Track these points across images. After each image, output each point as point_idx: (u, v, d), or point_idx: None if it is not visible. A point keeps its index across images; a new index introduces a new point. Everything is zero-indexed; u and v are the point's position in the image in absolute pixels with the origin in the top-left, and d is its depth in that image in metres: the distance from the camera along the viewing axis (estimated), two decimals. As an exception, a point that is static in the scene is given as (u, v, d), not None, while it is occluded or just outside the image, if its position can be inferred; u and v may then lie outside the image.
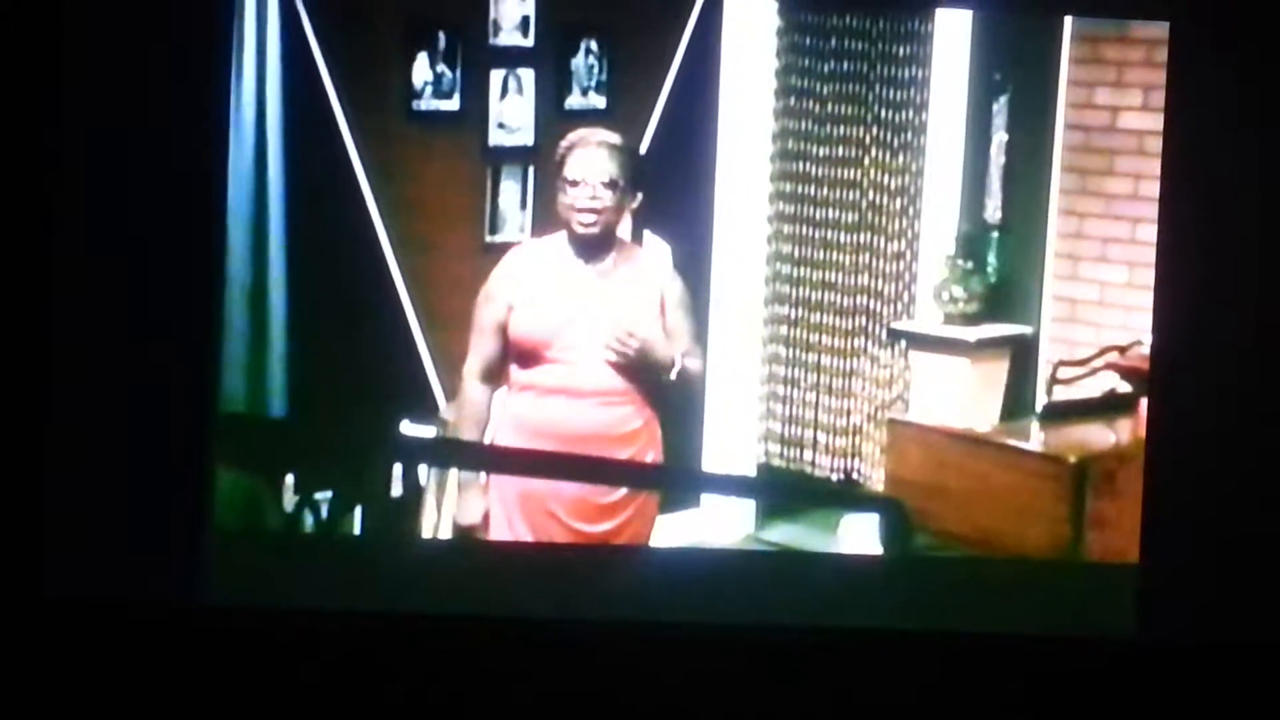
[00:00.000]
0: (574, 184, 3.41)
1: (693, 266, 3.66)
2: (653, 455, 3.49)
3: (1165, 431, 3.33)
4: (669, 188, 3.64)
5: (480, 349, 3.48)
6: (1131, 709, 3.24)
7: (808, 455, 3.98)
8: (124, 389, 3.22)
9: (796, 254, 3.98)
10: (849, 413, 3.93)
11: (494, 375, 3.47)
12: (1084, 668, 3.24)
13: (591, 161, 3.41)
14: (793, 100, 3.93)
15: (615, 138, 3.43)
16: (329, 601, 3.26)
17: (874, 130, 3.89)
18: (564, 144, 3.44)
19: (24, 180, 3.16)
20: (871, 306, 3.92)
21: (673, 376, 3.40)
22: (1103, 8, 3.46)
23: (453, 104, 3.59)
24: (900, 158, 3.87)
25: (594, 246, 3.44)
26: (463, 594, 3.30)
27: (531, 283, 3.47)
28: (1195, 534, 3.27)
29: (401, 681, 3.25)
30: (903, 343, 3.90)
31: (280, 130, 3.50)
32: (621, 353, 3.35)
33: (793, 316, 3.98)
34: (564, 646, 3.26)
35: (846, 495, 3.89)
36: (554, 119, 3.61)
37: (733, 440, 3.89)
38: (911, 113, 3.86)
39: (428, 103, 3.57)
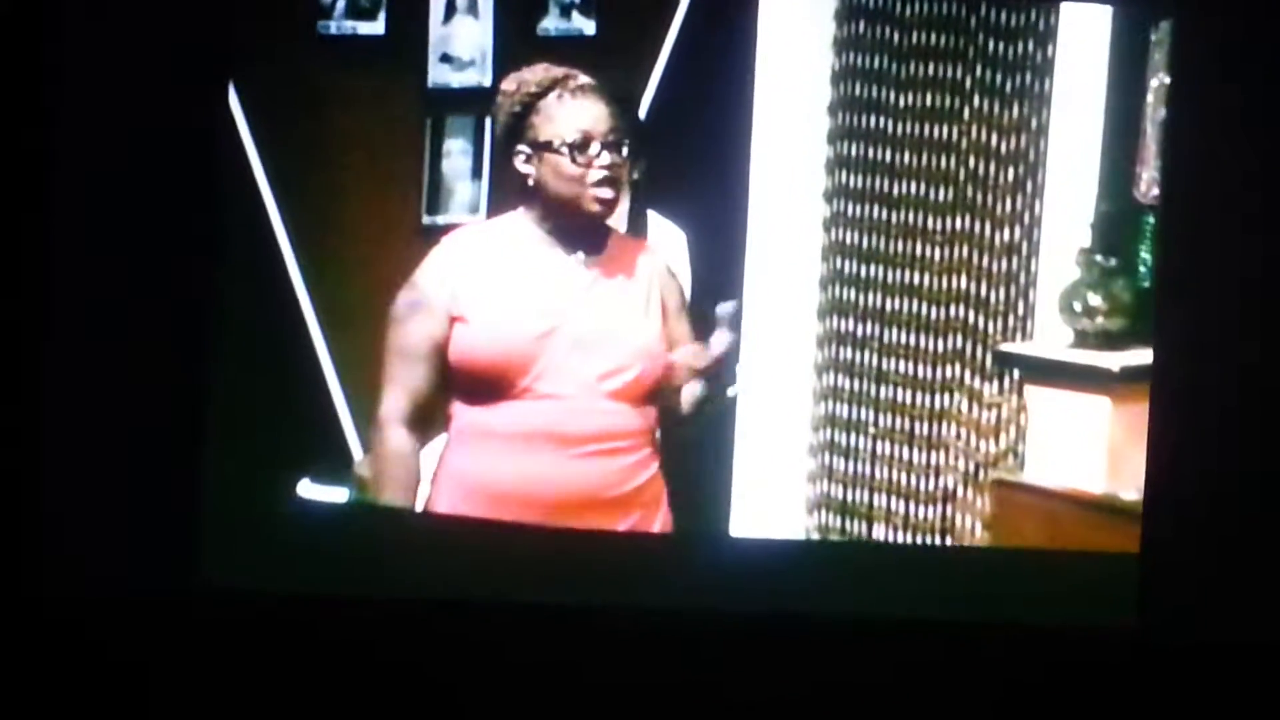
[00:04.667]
0: (579, 146, 2.97)
1: (718, 263, 3.32)
2: (660, 522, 3.12)
3: (1168, 422, 3.28)
4: (684, 152, 3.31)
5: (406, 381, 3.00)
6: (1131, 700, 3.27)
7: (879, 530, 3.54)
8: (118, 380, 3.22)
9: (865, 246, 3.56)
10: (939, 471, 3.51)
11: (427, 418, 3.03)
12: (1083, 659, 3.30)
13: (591, 112, 3.01)
14: (862, 27, 3.49)
15: (614, 83, 3.09)
16: (333, 585, 3.22)
17: (978, 70, 3.43)
18: (528, 87, 3.02)
19: (16, 179, 3.21)
20: (972, 321, 3.49)
21: (685, 407, 3.07)
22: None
23: (376, 26, 3.28)
24: (1015, 109, 3.42)
25: (594, 232, 3.05)
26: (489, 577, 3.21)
27: (487, 281, 3.01)
28: (1197, 525, 3.29)
29: (406, 666, 3.24)
30: (1016, 373, 3.47)
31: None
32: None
33: (859, 334, 3.57)
34: (579, 633, 3.25)
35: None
36: (522, 50, 3.23)
37: (773, 507, 3.51)
38: (1032, 45, 3.40)
39: (340, 24, 3.27)
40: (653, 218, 3.24)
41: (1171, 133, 3.36)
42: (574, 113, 2.99)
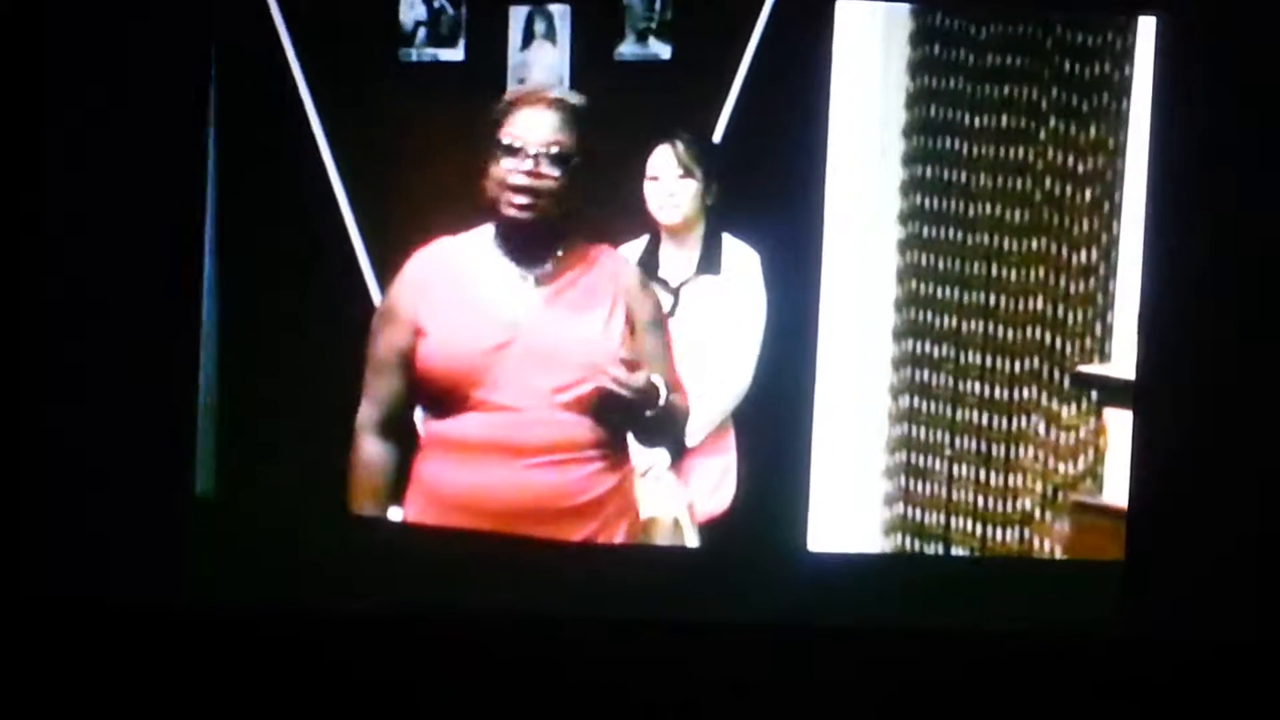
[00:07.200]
0: (510, 151, 3.01)
1: (792, 284, 3.31)
2: (624, 533, 3.12)
3: (1152, 428, 3.33)
4: (759, 175, 3.28)
5: (377, 391, 3.06)
6: (1113, 706, 3.31)
7: (957, 553, 3.51)
8: (110, 387, 3.24)
9: (940, 268, 3.54)
10: (1016, 493, 3.49)
11: (399, 427, 3.08)
12: (1066, 665, 3.35)
13: (537, 124, 3.01)
14: (937, 49, 3.48)
15: (576, 98, 3.07)
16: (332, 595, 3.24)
17: (1054, 91, 3.41)
18: (503, 101, 3.08)
19: (8, 182, 3.23)
20: (1049, 342, 3.47)
21: (650, 413, 3.05)
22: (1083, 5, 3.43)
23: (456, 53, 3.30)
24: (1093, 129, 3.39)
25: (531, 241, 3.05)
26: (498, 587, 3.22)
27: (446, 295, 3.05)
28: (1180, 531, 3.34)
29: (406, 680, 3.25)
30: (1094, 395, 3.43)
31: (211, 91, 3.26)
32: (617, 393, 3.01)
33: (935, 356, 3.55)
34: (580, 644, 3.27)
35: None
36: (598, 75, 3.25)
37: (848, 530, 3.46)
38: (1109, 65, 3.36)
39: (420, 52, 3.29)
40: (728, 240, 3.22)
41: (1156, 145, 3.30)
42: (520, 121, 3.00)
